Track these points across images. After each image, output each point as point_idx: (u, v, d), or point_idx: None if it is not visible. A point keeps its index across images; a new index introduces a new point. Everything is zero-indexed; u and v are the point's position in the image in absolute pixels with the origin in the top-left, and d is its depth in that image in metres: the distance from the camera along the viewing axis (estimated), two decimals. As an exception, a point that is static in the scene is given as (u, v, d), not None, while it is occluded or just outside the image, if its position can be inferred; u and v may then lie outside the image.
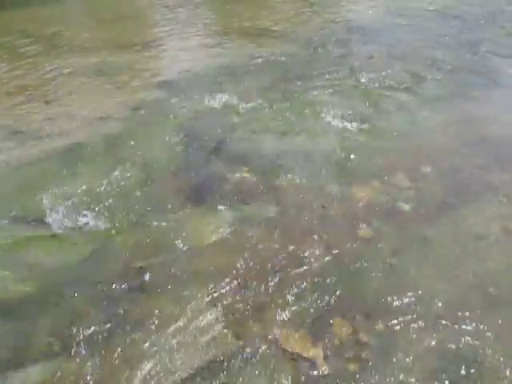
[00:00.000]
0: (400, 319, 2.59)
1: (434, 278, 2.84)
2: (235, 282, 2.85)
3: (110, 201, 3.59)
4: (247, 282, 2.85)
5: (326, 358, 2.40)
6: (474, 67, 5.86)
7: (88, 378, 2.35)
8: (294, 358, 2.41)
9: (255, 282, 2.84)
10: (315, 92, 5.27)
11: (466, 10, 8.17)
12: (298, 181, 3.75)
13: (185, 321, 2.63)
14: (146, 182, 3.85)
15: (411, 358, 2.38)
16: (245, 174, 3.87)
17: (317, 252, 3.05)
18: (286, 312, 2.65)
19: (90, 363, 2.42)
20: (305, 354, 2.43)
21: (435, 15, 8.09)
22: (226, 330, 2.57)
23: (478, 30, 7.18)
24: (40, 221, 3.45)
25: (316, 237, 3.17)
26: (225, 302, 2.73)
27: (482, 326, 2.52)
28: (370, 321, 2.59)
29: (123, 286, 2.87)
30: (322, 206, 3.45)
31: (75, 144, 4.44)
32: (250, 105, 5.01)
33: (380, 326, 2.55)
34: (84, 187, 3.75)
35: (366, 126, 4.54)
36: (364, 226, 3.26)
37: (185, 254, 3.10)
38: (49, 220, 3.44)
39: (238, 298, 2.75)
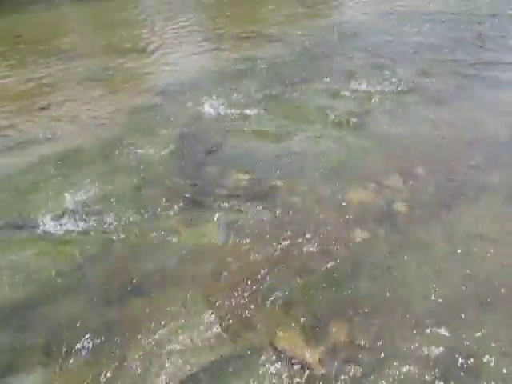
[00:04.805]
0: (397, 320, 2.58)
1: (430, 278, 2.83)
2: (231, 285, 2.85)
3: (106, 205, 3.59)
4: (243, 284, 2.85)
5: (322, 360, 2.39)
6: (469, 68, 5.88)
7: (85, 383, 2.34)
8: (290, 360, 2.40)
9: (251, 285, 2.84)
10: (311, 94, 5.29)
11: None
12: (293, 184, 3.75)
13: (181, 325, 2.62)
14: (141, 186, 3.85)
15: (408, 359, 2.38)
16: (240, 178, 3.87)
17: (312, 254, 3.05)
18: (282, 314, 2.64)
19: (87, 368, 2.41)
20: (301, 357, 2.41)
21: (427, 16, 8.14)
22: (221, 333, 2.56)
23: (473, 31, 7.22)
24: (36, 226, 3.45)
25: (311, 239, 3.17)
26: (221, 305, 2.72)
27: (478, 327, 2.51)
28: (367, 322, 2.58)
29: (119, 291, 2.86)
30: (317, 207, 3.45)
31: (71, 149, 4.46)
32: (245, 108, 5.02)
33: (377, 328, 2.54)
34: (80, 192, 3.75)
35: (359, 127, 4.55)
36: (360, 227, 3.25)
37: (181, 257, 3.09)
38: (45, 225, 3.44)
39: (233, 300, 2.75)
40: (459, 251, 3.03)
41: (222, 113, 4.99)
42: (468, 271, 2.87)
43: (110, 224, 3.41)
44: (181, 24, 8.60)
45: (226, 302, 2.74)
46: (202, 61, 6.82)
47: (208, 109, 5.08)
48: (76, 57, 7.13)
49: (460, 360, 2.35)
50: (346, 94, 5.29)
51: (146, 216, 3.48)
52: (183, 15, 9.27)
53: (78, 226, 3.43)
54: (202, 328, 2.60)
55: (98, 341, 2.55)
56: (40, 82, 6.18)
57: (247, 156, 4.19)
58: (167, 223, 3.41)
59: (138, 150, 4.35)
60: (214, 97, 5.26)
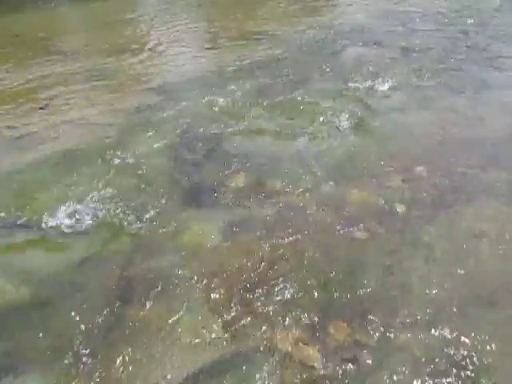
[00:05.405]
0: (397, 320, 2.58)
1: (430, 278, 2.84)
2: (231, 285, 2.85)
3: (105, 206, 3.59)
4: (243, 284, 2.85)
5: (322, 359, 2.39)
6: (467, 67, 5.89)
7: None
8: (291, 359, 2.40)
9: (251, 285, 2.84)
10: (309, 94, 5.29)
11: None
12: (293, 183, 3.76)
13: (181, 324, 2.62)
14: (141, 186, 3.84)
15: (408, 359, 2.38)
16: (241, 177, 3.87)
17: (312, 254, 3.05)
18: (283, 314, 2.64)
19: (87, 369, 2.40)
20: (301, 356, 2.42)
21: (427, 15, 8.14)
22: (222, 333, 2.56)
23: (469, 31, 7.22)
24: (34, 226, 3.45)
25: (312, 239, 3.17)
26: (221, 305, 2.72)
27: (479, 327, 2.52)
28: (367, 322, 2.58)
29: (120, 290, 2.86)
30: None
31: (70, 149, 4.45)
32: (245, 107, 5.03)
33: (377, 328, 2.54)
34: (79, 192, 3.75)
35: (359, 127, 4.55)
36: (359, 227, 3.25)
37: (180, 258, 3.09)
38: (43, 226, 3.43)
39: (233, 300, 2.75)
40: (459, 251, 3.04)
41: (222, 112, 4.99)
42: (468, 271, 2.87)
43: (110, 224, 3.41)
44: (181, 24, 8.61)
45: (227, 302, 2.74)
46: (201, 60, 6.82)
47: (208, 108, 5.08)
48: (76, 56, 7.13)
49: (460, 360, 2.35)
50: (346, 93, 5.29)
51: (146, 216, 3.48)
52: (183, 15, 9.28)
53: (77, 226, 3.42)
54: (202, 328, 2.60)
55: (99, 341, 2.55)
56: (40, 81, 6.18)
57: (247, 155, 4.19)
58: (167, 223, 3.41)
59: (138, 150, 4.34)
60: (214, 96, 5.26)
